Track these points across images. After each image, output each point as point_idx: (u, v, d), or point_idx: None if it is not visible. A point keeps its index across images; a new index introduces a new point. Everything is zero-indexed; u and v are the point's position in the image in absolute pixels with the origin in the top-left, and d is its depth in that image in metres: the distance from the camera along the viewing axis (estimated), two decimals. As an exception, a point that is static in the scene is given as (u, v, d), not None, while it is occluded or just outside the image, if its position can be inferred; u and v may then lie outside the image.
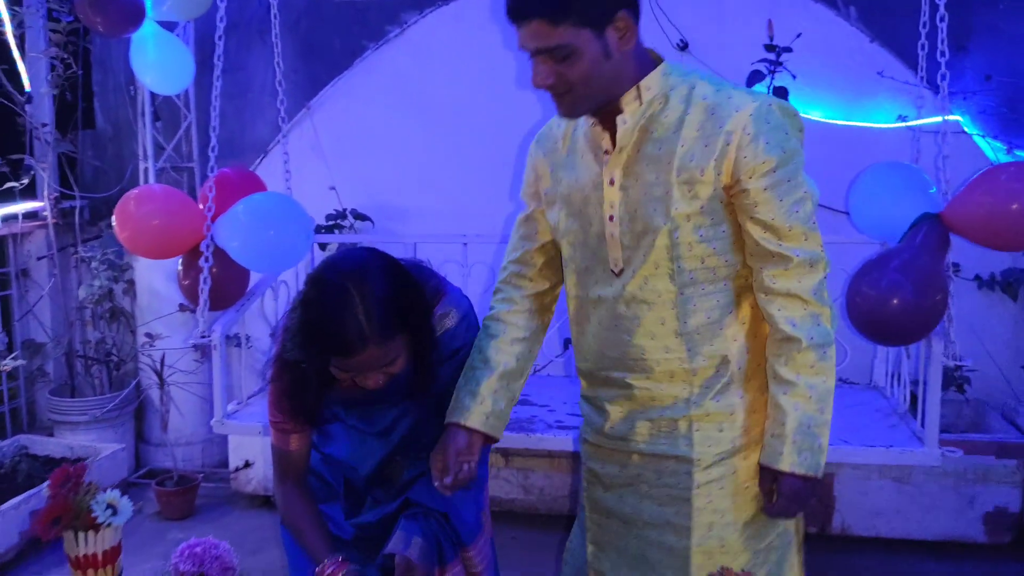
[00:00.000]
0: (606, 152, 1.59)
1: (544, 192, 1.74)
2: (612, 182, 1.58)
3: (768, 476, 1.60)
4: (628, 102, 1.54)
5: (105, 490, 1.65)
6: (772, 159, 1.48)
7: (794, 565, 1.72)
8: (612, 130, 1.58)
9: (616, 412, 1.70)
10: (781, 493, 1.58)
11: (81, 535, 1.66)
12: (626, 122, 1.55)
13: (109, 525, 1.65)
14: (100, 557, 1.69)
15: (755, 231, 1.53)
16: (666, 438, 1.64)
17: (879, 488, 3.38)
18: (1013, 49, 3.76)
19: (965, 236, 2.55)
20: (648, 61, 1.58)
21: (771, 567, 1.67)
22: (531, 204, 1.80)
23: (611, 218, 1.59)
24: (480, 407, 1.72)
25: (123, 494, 1.76)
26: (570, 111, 1.57)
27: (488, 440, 1.75)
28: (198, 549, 1.61)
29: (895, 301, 2.44)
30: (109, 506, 1.64)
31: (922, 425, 2.68)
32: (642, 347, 1.62)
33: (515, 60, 3.62)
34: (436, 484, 1.67)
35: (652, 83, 1.54)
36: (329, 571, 1.61)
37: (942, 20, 2.63)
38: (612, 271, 1.62)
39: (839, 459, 3.00)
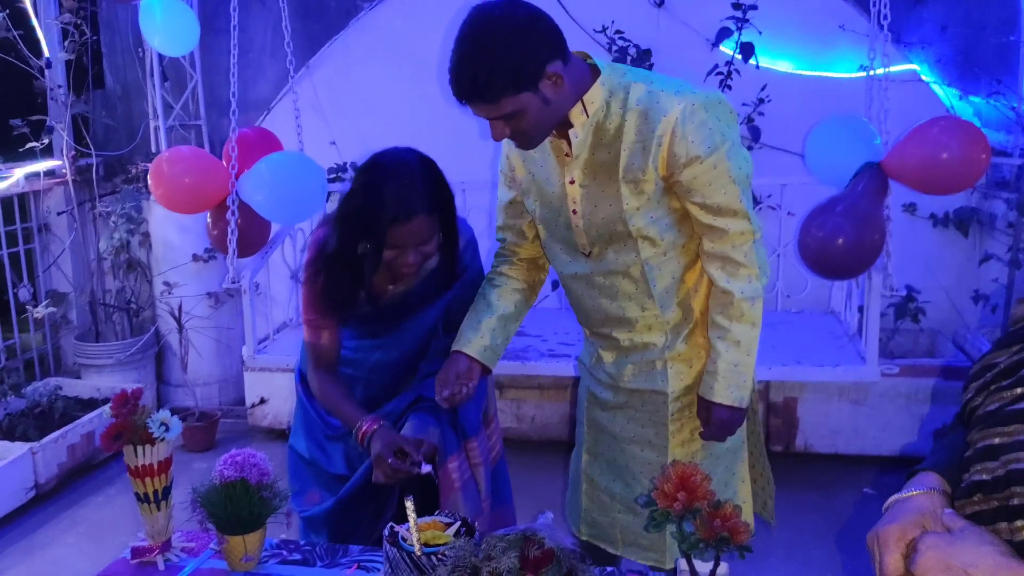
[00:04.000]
0: (566, 155, 1.84)
1: (520, 181, 2.00)
2: (572, 181, 1.85)
3: (703, 406, 1.89)
4: (576, 116, 1.78)
5: (157, 410, 1.94)
6: (697, 154, 1.71)
7: (744, 475, 2.06)
8: (567, 137, 1.82)
9: (608, 356, 2.03)
10: (712, 420, 1.88)
11: (139, 448, 1.93)
12: (578, 136, 1.80)
13: (163, 439, 1.93)
14: (155, 467, 1.97)
15: (693, 209, 1.80)
16: (646, 377, 1.96)
17: (838, 410, 3.72)
18: (967, 0, 4.00)
19: (902, 182, 2.84)
20: (587, 73, 1.77)
21: (723, 472, 2.00)
22: (511, 189, 2.04)
23: (574, 211, 1.87)
24: (479, 340, 2.00)
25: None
26: (527, 147, 1.81)
27: (484, 370, 2.04)
28: (239, 458, 1.88)
29: (839, 241, 2.74)
30: (162, 423, 1.92)
31: (866, 345, 3.01)
32: (622, 307, 1.92)
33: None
34: (437, 398, 1.96)
35: (594, 96, 1.76)
36: (365, 427, 1.92)
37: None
38: (583, 252, 1.91)
39: (795, 377, 3.35)
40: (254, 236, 3.33)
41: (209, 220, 3.34)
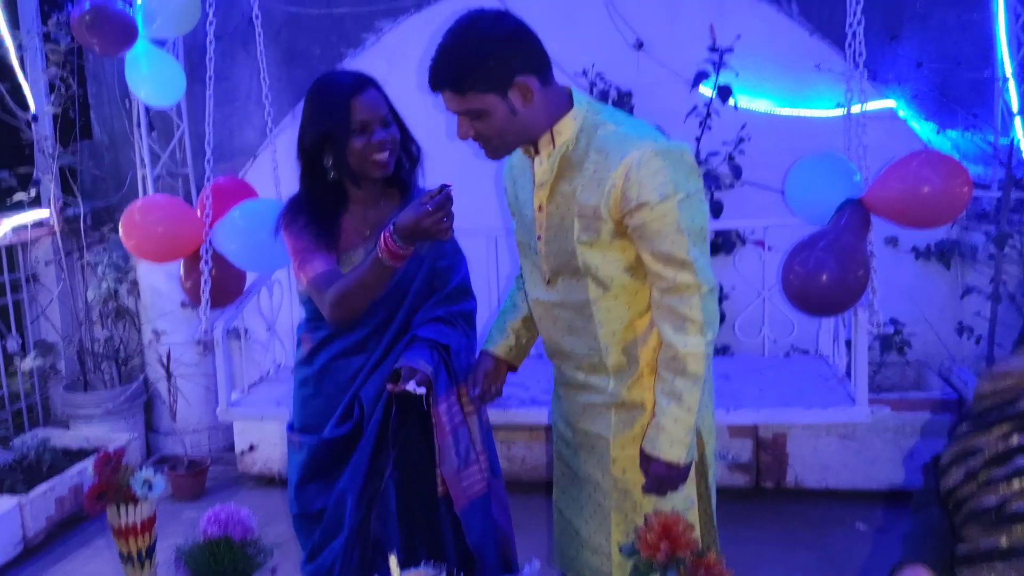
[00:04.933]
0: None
1: (510, 204, 2.07)
2: (540, 208, 1.89)
3: (643, 458, 1.87)
4: (544, 145, 1.84)
5: (140, 469, 1.95)
6: (647, 199, 1.72)
7: (695, 523, 2.01)
8: None
9: (562, 390, 2.07)
10: (650, 473, 1.86)
11: (122, 508, 1.94)
12: (542, 163, 1.85)
13: (146, 499, 1.94)
14: (139, 526, 1.97)
15: (643, 255, 1.81)
16: (592, 419, 1.97)
17: (827, 445, 3.72)
18: (942, 36, 4.08)
19: (884, 217, 2.87)
20: (564, 104, 1.82)
21: None
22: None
23: (539, 237, 1.91)
24: (506, 341, 2.12)
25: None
26: (492, 156, 1.87)
27: (509, 368, 2.15)
28: (223, 515, 1.90)
29: (823, 277, 2.76)
30: (145, 482, 1.93)
31: (855, 386, 3.02)
32: (570, 342, 1.94)
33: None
34: (469, 396, 2.06)
35: (564, 127, 1.81)
36: (382, 240, 1.90)
37: (859, 24, 2.92)
38: (544, 280, 1.95)
39: (784, 420, 3.37)
40: (229, 286, 3.33)
41: (182, 270, 3.33)
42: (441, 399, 2.05)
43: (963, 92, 4.07)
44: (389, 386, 2.03)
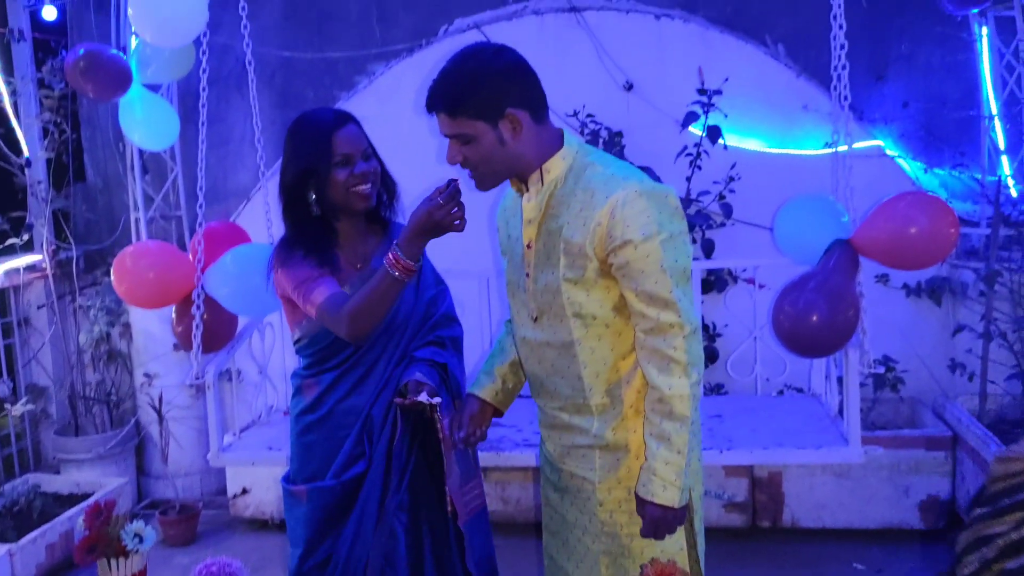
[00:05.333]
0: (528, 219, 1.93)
1: (502, 243, 2.09)
2: (529, 245, 1.92)
3: (638, 502, 1.86)
4: (533, 182, 1.88)
5: (131, 521, 1.94)
6: (631, 238, 1.75)
7: (685, 566, 1.99)
8: None
9: (545, 433, 2.07)
10: (645, 517, 1.85)
11: (113, 561, 1.93)
12: (531, 200, 1.89)
13: (137, 552, 1.93)
14: (130, 579, 1.95)
15: (627, 294, 1.83)
16: (577, 462, 1.97)
17: (822, 483, 3.72)
18: (927, 76, 4.14)
19: (872, 258, 2.88)
20: (556, 143, 1.87)
21: None
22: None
23: (527, 275, 1.93)
24: (492, 385, 2.12)
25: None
26: (479, 185, 1.91)
27: (495, 412, 2.15)
28: (214, 568, 1.89)
29: (813, 318, 2.76)
30: (136, 535, 1.92)
31: (847, 426, 3.02)
32: (554, 382, 1.95)
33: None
34: (454, 438, 2.05)
35: (552, 166, 1.86)
36: (391, 254, 1.96)
37: (844, 67, 2.95)
38: (531, 318, 1.96)
39: (780, 460, 3.36)
40: (221, 330, 3.31)
41: (174, 315, 3.32)
42: (444, 413, 2.09)
43: (950, 131, 4.12)
44: (398, 400, 2.08)
